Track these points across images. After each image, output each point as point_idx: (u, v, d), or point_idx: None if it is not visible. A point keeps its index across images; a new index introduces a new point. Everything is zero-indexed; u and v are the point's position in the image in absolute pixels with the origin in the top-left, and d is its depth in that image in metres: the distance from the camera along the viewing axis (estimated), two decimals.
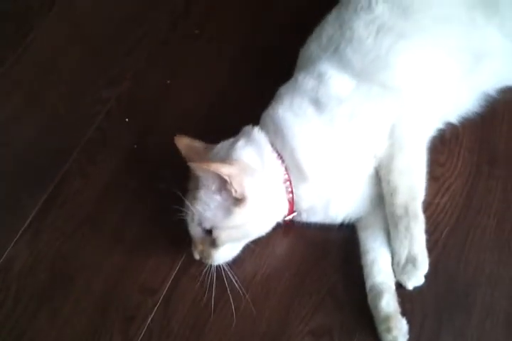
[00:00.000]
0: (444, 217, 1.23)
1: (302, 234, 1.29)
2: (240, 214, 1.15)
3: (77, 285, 1.32)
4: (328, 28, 1.32)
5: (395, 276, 1.16)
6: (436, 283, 1.16)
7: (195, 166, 1.15)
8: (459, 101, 1.29)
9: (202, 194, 1.16)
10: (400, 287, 1.16)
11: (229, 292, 1.24)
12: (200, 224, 1.18)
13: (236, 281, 1.21)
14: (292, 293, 1.22)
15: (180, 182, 1.26)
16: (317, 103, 1.21)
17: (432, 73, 1.25)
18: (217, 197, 1.16)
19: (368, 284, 1.17)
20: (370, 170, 1.22)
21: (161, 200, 1.39)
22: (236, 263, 1.24)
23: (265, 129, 1.24)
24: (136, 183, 1.46)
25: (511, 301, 1.13)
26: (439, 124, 1.30)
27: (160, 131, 1.54)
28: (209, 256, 1.20)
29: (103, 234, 1.39)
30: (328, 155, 1.19)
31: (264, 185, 1.17)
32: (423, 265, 1.14)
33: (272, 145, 1.21)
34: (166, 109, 1.59)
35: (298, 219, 1.26)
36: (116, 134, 1.56)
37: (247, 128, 1.26)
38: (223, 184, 1.14)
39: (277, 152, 1.21)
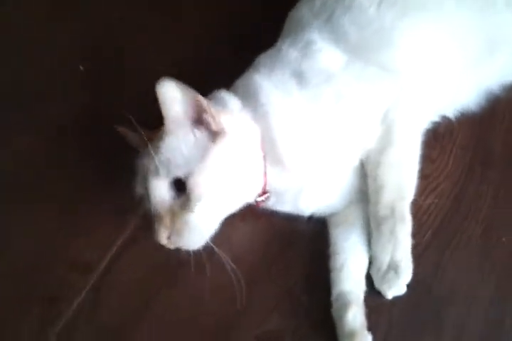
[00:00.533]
0: (428, 219, 1.09)
1: (270, 222, 1.13)
2: (217, 153, 0.97)
3: None
4: None
5: (374, 283, 1.02)
6: (408, 293, 1.02)
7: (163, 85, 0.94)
8: (460, 93, 1.15)
9: (170, 139, 0.97)
10: (369, 294, 1.02)
11: (174, 281, 1.08)
12: (168, 176, 0.96)
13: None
14: (248, 289, 1.06)
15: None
16: (300, 76, 1.04)
17: (438, 58, 1.09)
18: (191, 136, 0.97)
19: (335, 291, 1.02)
20: (354, 162, 1.06)
21: (109, 149, 1.20)
22: None
23: (237, 97, 1.06)
24: (87, 142, 1.26)
25: (486, 324, 1.00)
26: (435, 117, 1.16)
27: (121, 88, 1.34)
28: (181, 229, 0.96)
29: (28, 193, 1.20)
30: (309, 138, 1.02)
31: (241, 126, 1.01)
32: (406, 273, 1.00)
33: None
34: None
35: (264, 205, 1.10)
36: (66, 84, 1.37)
37: (214, 92, 1.07)
38: (198, 118, 0.98)
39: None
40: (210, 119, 0.97)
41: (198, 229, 0.97)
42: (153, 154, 0.96)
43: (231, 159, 0.99)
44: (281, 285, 1.06)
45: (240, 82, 1.09)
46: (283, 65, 1.06)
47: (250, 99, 1.03)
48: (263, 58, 1.11)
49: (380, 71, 1.05)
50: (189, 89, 0.95)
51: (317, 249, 1.08)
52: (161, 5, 1.47)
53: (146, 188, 0.98)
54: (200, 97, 0.96)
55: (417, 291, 1.01)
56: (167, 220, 0.96)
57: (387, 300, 1.01)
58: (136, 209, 1.08)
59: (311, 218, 1.11)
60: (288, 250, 1.10)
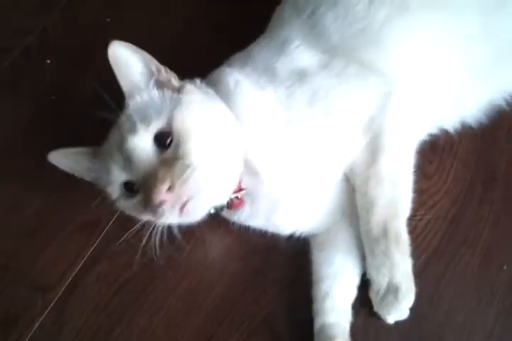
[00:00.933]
0: (423, 241, 0.99)
1: (244, 237, 1.03)
2: (189, 100, 0.90)
3: None
4: None
5: (374, 307, 0.93)
6: (399, 322, 0.93)
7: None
8: (461, 104, 1.03)
9: (136, 98, 0.91)
10: (357, 318, 0.94)
11: (141, 302, 1.00)
12: (148, 129, 0.86)
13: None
14: (218, 315, 0.98)
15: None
16: (273, 74, 0.93)
17: (436, 63, 0.97)
18: (155, 92, 0.91)
19: (317, 323, 0.93)
20: (337, 174, 0.95)
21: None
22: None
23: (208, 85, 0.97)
24: (45, 145, 1.14)
25: None
26: (433, 128, 1.04)
27: (87, 82, 1.22)
28: (186, 174, 0.83)
29: None
30: (280, 142, 0.91)
31: (208, 96, 0.94)
32: (407, 296, 0.90)
33: None
34: (101, 54, 1.26)
35: (235, 218, 1.00)
36: (31, 78, 1.25)
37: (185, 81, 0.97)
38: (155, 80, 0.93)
39: None
40: (169, 76, 0.92)
41: (203, 174, 0.85)
42: (127, 111, 0.90)
43: (205, 108, 0.90)
44: (255, 314, 0.97)
45: (210, 75, 1.00)
46: (257, 61, 0.97)
47: (221, 91, 0.94)
48: (239, 54, 1.02)
49: (362, 69, 0.94)
50: (141, 50, 0.92)
51: (297, 269, 1.00)
52: None
53: (127, 151, 0.86)
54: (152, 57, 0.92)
55: (410, 320, 0.93)
56: (163, 173, 0.83)
57: (377, 329, 0.93)
58: (99, 226, 1.03)
59: (290, 237, 1.01)
60: (264, 271, 1.01)
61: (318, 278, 0.97)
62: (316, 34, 0.96)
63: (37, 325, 1.00)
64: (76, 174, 0.98)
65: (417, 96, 0.96)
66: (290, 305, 0.98)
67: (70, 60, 1.26)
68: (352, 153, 0.93)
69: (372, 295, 0.93)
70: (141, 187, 0.87)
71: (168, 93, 0.91)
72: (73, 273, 1.03)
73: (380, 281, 0.91)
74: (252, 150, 0.91)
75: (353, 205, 0.96)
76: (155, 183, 0.83)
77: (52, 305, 1.01)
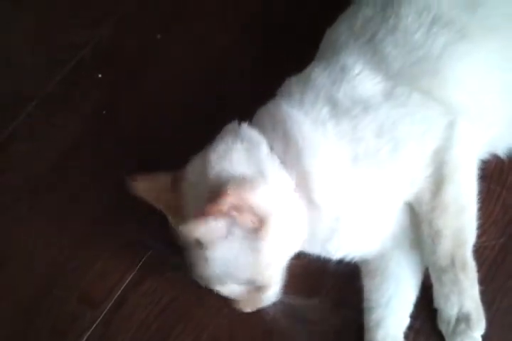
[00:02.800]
0: None
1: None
2: (268, 243, 0.88)
3: (2, 278, 1.09)
4: (366, 7, 1.01)
5: (446, 339, 0.93)
6: None
7: (188, 229, 0.86)
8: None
9: (215, 253, 0.88)
10: None
11: (186, 321, 1.02)
12: (233, 282, 0.91)
13: None
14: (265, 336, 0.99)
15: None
16: (335, 104, 0.92)
17: (491, 89, 0.97)
18: (233, 244, 0.87)
19: None
20: (398, 204, 0.96)
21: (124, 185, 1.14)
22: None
23: (260, 128, 0.95)
24: (96, 159, 1.18)
25: None
26: (483, 154, 1.03)
27: (137, 96, 1.26)
28: (259, 301, 0.94)
29: (43, 217, 1.13)
30: (347, 176, 0.91)
31: (274, 193, 0.90)
32: (479, 324, 0.91)
33: (271, 147, 0.93)
34: (151, 69, 1.29)
35: None
36: (83, 92, 1.28)
37: (231, 125, 0.97)
38: (231, 223, 0.87)
39: (278, 156, 0.93)
40: (245, 220, 0.86)
41: (274, 294, 0.94)
42: (205, 266, 0.89)
43: (281, 235, 0.89)
44: None
45: (265, 111, 0.98)
46: (316, 90, 0.94)
47: (278, 133, 0.93)
48: (293, 82, 0.99)
49: (426, 100, 0.93)
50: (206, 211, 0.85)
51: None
52: None
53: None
54: (221, 207, 0.84)
55: None
56: (244, 300, 0.94)
57: None
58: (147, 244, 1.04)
59: (340, 262, 1.01)
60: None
61: (369, 307, 0.97)
62: (376, 61, 0.95)
63: (85, 338, 1.02)
64: None
65: (476, 123, 0.96)
66: None
67: (120, 76, 1.28)
68: (416, 183, 0.93)
69: (443, 326, 0.93)
70: None
71: (244, 239, 0.87)
72: (121, 289, 1.05)
73: (449, 311, 0.92)
74: (316, 188, 0.91)
75: (407, 233, 0.97)
76: (240, 306, 0.94)
77: (99, 319, 1.03)
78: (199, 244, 0.87)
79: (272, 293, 0.93)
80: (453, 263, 0.91)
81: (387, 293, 0.96)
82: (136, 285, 1.05)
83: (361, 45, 0.97)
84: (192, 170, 0.93)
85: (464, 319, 0.91)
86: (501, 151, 1.05)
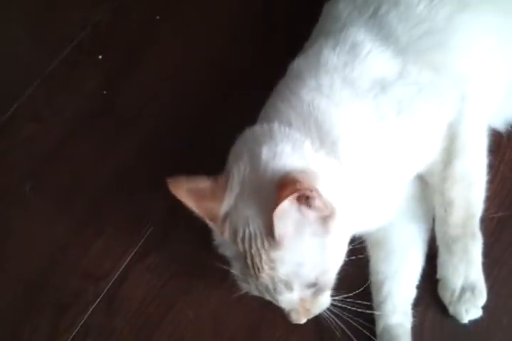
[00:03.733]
0: None
1: None
2: (334, 237, 0.85)
3: (6, 255, 1.10)
4: None
5: (448, 308, 0.95)
6: (441, 325, 0.96)
7: (280, 211, 0.79)
8: None
9: (285, 252, 0.83)
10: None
11: (189, 294, 1.04)
12: (300, 288, 0.86)
13: None
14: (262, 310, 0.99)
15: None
16: (353, 85, 0.92)
17: (497, 60, 0.98)
18: (304, 242, 0.83)
19: (380, 325, 0.95)
20: (411, 175, 0.97)
21: (125, 163, 1.17)
22: None
23: (284, 122, 0.92)
24: (97, 140, 1.20)
25: None
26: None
27: (137, 79, 1.26)
28: (316, 308, 0.90)
29: (46, 198, 1.14)
30: (372, 151, 0.91)
31: (332, 183, 0.87)
32: (483, 293, 0.93)
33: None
34: (151, 51, 1.30)
35: None
36: (83, 72, 1.29)
37: (258, 129, 0.93)
38: (301, 220, 0.83)
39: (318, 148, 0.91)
40: (319, 204, 0.82)
41: (328, 300, 0.90)
42: (277, 268, 0.83)
43: (344, 226, 0.87)
44: None
45: (280, 101, 0.95)
46: (328, 71, 0.93)
47: (310, 126, 0.90)
48: (303, 63, 0.98)
49: (436, 75, 0.94)
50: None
51: None
52: None
53: (273, 299, 0.88)
54: (304, 185, 0.80)
55: (454, 323, 0.95)
56: (302, 309, 0.88)
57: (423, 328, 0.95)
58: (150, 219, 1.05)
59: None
60: None
61: (377, 280, 0.98)
62: (384, 36, 0.95)
63: (89, 312, 1.04)
64: None
65: (484, 95, 0.97)
66: None
67: (121, 56, 1.29)
68: (431, 154, 0.95)
69: (446, 295, 0.95)
70: None
71: (316, 234, 0.84)
72: (124, 264, 1.06)
73: (455, 280, 0.94)
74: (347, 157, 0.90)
75: (411, 205, 0.99)
76: (297, 317, 0.88)
77: (103, 293, 1.04)
78: (271, 244, 0.83)
79: (328, 296, 0.90)
80: (464, 232, 0.93)
81: (393, 265, 0.98)
82: (138, 261, 1.07)
83: (366, 20, 0.97)
84: (237, 172, 0.88)
85: (469, 288, 0.93)
86: (500, 125, 1.07)
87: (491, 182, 1.02)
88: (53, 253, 1.09)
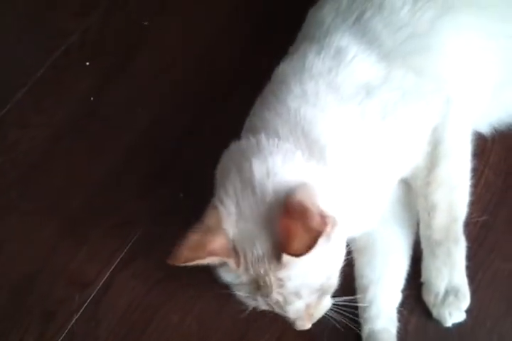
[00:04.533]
0: None
1: None
2: (335, 242, 0.85)
3: None
4: None
5: (432, 312, 0.95)
6: (425, 329, 0.96)
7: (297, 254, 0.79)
8: (496, 106, 1.04)
9: (295, 268, 0.82)
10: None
11: (175, 300, 1.04)
12: (307, 297, 0.86)
13: None
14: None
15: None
16: (338, 91, 0.92)
17: (480, 64, 0.98)
18: (316, 250, 0.79)
19: (365, 330, 0.95)
20: (396, 180, 0.97)
21: (112, 170, 1.17)
22: None
23: (271, 133, 0.90)
24: (84, 146, 1.20)
25: None
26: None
27: (125, 84, 1.27)
28: (319, 312, 0.89)
29: (33, 205, 1.15)
30: (358, 156, 0.91)
31: (327, 192, 0.87)
32: (466, 296, 0.94)
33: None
34: (139, 57, 1.30)
35: None
36: (71, 79, 1.29)
37: (244, 143, 0.92)
38: None
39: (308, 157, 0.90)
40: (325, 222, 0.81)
41: (329, 303, 0.90)
42: (287, 283, 0.83)
43: (342, 231, 0.86)
44: None
45: (266, 110, 0.94)
46: (313, 77, 0.93)
47: (300, 138, 0.89)
48: (288, 68, 0.98)
49: (420, 79, 0.94)
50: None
51: None
52: None
53: (283, 311, 0.87)
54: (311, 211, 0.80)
55: (438, 327, 0.95)
56: (307, 315, 0.88)
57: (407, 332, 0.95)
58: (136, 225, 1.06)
59: None
60: None
61: (362, 284, 0.98)
62: (368, 41, 0.95)
63: (74, 320, 1.03)
64: None
65: (469, 99, 0.98)
66: None
67: (109, 63, 1.29)
68: (415, 158, 0.95)
69: (430, 299, 0.95)
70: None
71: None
72: (110, 270, 1.06)
73: (439, 283, 0.94)
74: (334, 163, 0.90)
75: (396, 210, 1.00)
76: (303, 323, 0.88)
77: (89, 300, 1.04)
78: (278, 266, 0.81)
79: (328, 298, 0.90)
80: (447, 236, 0.94)
81: (377, 269, 0.98)
82: (123, 268, 1.07)
83: (350, 25, 0.97)
84: (231, 198, 0.86)
85: (452, 291, 0.93)
86: (484, 129, 1.07)
87: (475, 186, 1.02)
88: (38, 260, 1.09)
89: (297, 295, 0.84)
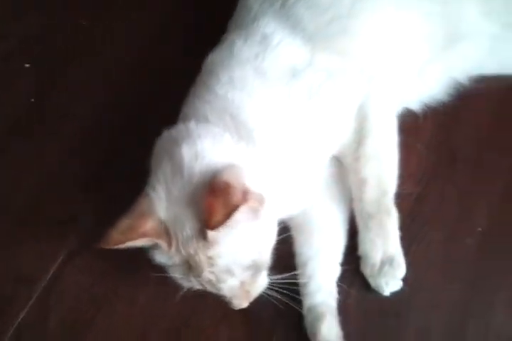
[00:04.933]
0: None
1: None
2: (265, 219, 0.87)
3: None
4: None
5: (370, 282, 0.98)
6: (364, 299, 0.98)
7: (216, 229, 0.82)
8: (425, 83, 1.08)
9: (219, 248, 0.85)
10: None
11: (120, 291, 1.05)
12: (239, 274, 0.88)
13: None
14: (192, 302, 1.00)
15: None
16: (265, 75, 0.95)
17: (400, 44, 1.02)
18: (238, 231, 0.83)
19: (305, 305, 0.97)
20: (327, 157, 1.00)
21: (53, 169, 1.18)
22: None
23: (200, 119, 0.94)
24: (25, 146, 1.20)
25: (449, 328, 0.96)
26: (399, 109, 1.08)
27: (66, 86, 1.28)
28: (256, 290, 0.91)
29: None
30: (289, 140, 0.94)
31: (255, 171, 0.89)
32: (401, 265, 0.96)
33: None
34: (79, 58, 1.31)
35: None
36: (10, 82, 1.30)
37: (174, 130, 0.94)
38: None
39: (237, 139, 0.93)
40: (251, 200, 0.83)
41: (265, 280, 0.92)
42: (217, 261, 0.85)
43: (273, 207, 0.88)
44: None
45: (200, 98, 0.97)
46: (241, 64, 0.97)
47: (229, 121, 0.92)
48: (216, 59, 1.00)
49: (344, 61, 0.98)
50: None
51: None
52: None
53: (216, 289, 0.89)
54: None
55: (377, 296, 0.97)
56: (242, 293, 0.89)
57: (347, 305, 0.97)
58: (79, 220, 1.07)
59: None
60: None
61: (300, 261, 1.00)
62: (292, 25, 0.98)
63: (22, 315, 1.04)
64: None
65: (390, 77, 1.02)
66: None
67: (49, 64, 1.30)
68: (342, 135, 0.98)
69: (367, 271, 0.98)
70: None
71: (247, 223, 0.85)
72: (56, 265, 1.07)
73: (374, 255, 0.97)
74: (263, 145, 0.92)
75: (331, 186, 1.03)
76: (239, 302, 0.90)
77: (36, 296, 1.05)
78: (206, 244, 0.84)
79: (265, 276, 0.92)
80: (379, 209, 0.97)
81: (314, 246, 1.00)
82: (69, 261, 1.07)
83: (276, 10, 1.00)
84: (161, 184, 0.88)
85: (388, 261, 0.96)
86: (415, 105, 1.10)
87: (408, 161, 1.06)
88: None
89: (229, 272, 0.86)
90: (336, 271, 1.00)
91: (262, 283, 0.91)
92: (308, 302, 0.97)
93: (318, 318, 0.95)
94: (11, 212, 1.14)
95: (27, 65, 1.30)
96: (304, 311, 0.97)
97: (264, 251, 0.89)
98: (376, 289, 0.97)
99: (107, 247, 0.85)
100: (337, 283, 0.99)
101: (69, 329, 1.03)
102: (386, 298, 0.97)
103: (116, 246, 0.85)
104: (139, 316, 1.02)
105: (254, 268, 0.88)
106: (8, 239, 1.11)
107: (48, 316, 1.04)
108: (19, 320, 1.04)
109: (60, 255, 1.08)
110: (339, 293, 0.98)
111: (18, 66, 1.30)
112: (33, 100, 1.26)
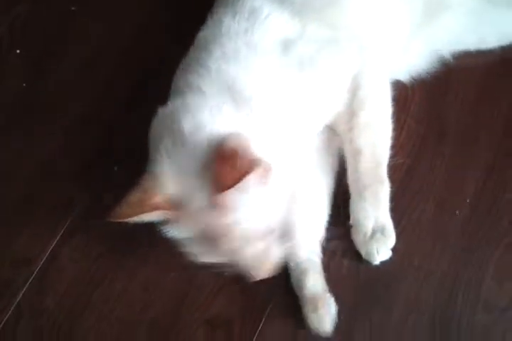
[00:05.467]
0: None
1: None
2: (276, 186, 0.88)
3: None
4: None
5: (361, 251, 1.00)
6: (357, 270, 1.01)
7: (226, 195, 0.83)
8: (411, 56, 1.10)
9: (233, 215, 0.86)
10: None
11: (117, 270, 1.06)
12: (258, 240, 0.89)
13: None
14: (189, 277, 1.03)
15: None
16: (256, 48, 0.96)
17: (386, 14, 1.04)
18: (251, 198, 0.85)
19: (291, 267, 1.00)
20: (319, 128, 1.02)
21: (50, 153, 1.18)
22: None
23: (196, 92, 0.94)
24: (19, 132, 1.21)
25: (438, 299, 0.98)
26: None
27: (58, 70, 1.28)
28: (273, 258, 0.93)
29: None
30: (284, 109, 0.95)
31: (262, 139, 0.91)
32: (392, 234, 0.99)
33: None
34: (68, 43, 1.31)
35: None
36: (2, 67, 1.30)
37: (170, 106, 0.96)
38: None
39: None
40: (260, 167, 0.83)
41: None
42: (235, 229, 0.86)
43: (282, 177, 0.90)
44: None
45: (193, 73, 0.97)
46: (232, 39, 0.97)
47: (225, 92, 0.93)
48: (208, 34, 1.01)
49: (333, 32, 0.99)
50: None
51: None
52: None
53: (236, 259, 0.90)
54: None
55: (367, 266, 1.00)
56: (263, 264, 0.91)
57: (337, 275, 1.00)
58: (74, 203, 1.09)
59: None
60: None
61: None
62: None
63: (20, 295, 1.05)
64: None
65: (383, 47, 1.03)
66: None
67: (39, 50, 1.30)
68: (336, 106, 1.00)
69: (358, 239, 1.00)
70: None
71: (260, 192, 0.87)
72: (51, 247, 1.08)
73: (366, 223, 0.99)
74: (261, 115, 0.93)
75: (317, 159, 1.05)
76: (254, 272, 0.91)
77: (34, 275, 1.06)
78: (221, 212, 0.85)
79: (283, 245, 0.93)
80: (374, 179, 0.98)
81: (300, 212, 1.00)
82: (65, 243, 1.08)
83: None
84: (165, 158, 0.90)
85: (379, 230, 0.98)
86: (404, 77, 1.12)
87: (398, 133, 1.07)
88: None
89: (245, 240, 0.87)
90: (320, 233, 1.02)
91: (279, 252, 0.92)
92: (293, 263, 0.99)
93: (302, 273, 0.98)
94: (7, 200, 1.14)
95: (18, 51, 1.30)
96: (290, 269, 1.00)
97: (277, 218, 0.90)
98: (367, 258, 0.99)
99: (118, 220, 0.86)
100: (323, 247, 1.02)
101: (67, 308, 1.04)
102: (376, 268, 0.99)
103: (125, 220, 0.86)
104: (136, 294, 1.04)
105: (270, 236, 0.90)
106: (4, 224, 1.12)
107: (46, 296, 1.05)
108: (17, 300, 1.05)
109: (56, 237, 1.09)
110: (326, 254, 1.01)
111: (10, 52, 1.30)
112: (24, 85, 1.26)
